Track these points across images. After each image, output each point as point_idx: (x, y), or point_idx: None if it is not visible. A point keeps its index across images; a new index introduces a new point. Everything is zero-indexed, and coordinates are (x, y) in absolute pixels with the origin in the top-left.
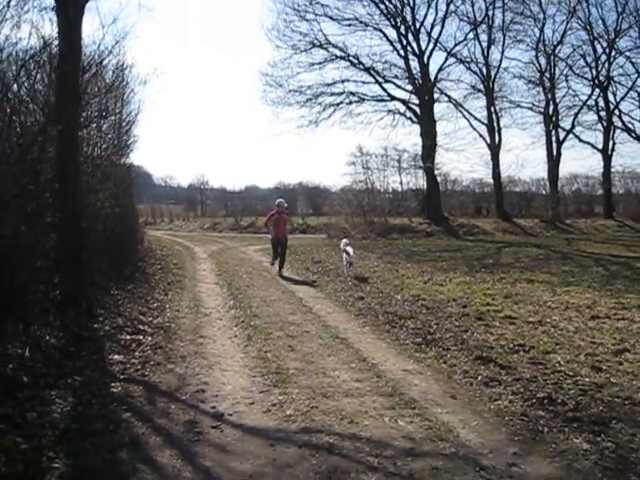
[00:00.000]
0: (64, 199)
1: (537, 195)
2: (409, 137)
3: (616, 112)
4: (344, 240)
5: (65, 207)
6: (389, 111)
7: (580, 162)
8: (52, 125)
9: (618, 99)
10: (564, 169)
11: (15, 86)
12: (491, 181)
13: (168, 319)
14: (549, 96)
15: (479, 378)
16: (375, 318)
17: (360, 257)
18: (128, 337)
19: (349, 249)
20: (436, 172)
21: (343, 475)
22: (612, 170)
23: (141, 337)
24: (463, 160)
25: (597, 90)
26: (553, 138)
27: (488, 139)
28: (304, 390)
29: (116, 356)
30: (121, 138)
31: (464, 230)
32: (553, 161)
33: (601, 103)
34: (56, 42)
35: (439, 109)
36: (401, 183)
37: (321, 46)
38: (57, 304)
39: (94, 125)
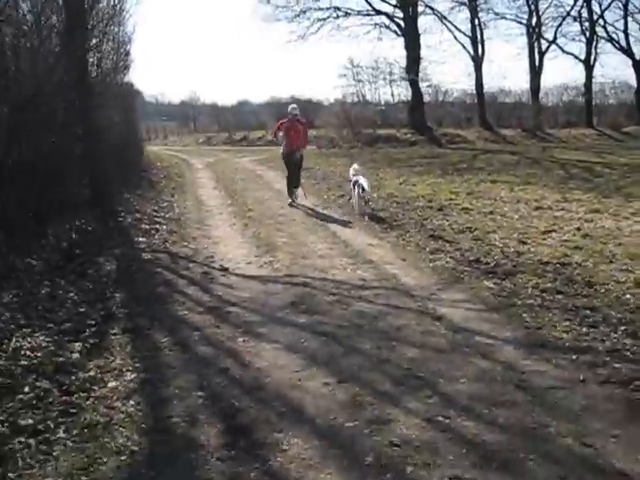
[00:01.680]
0: (85, 115)
1: (526, 105)
2: (397, 50)
3: (600, 22)
4: (354, 166)
5: (86, 121)
6: (375, 24)
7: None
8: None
9: (603, 9)
10: (557, 80)
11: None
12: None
13: (177, 214)
14: (532, 7)
15: (427, 249)
16: (352, 210)
17: (345, 165)
18: (147, 226)
19: (363, 181)
20: (427, 84)
21: (311, 297)
22: (604, 81)
23: (157, 226)
24: (447, 72)
25: (581, 0)
26: (536, 50)
27: (472, 51)
28: (288, 254)
29: (141, 238)
30: (120, 58)
31: (447, 139)
32: (535, 72)
33: (585, 14)
34: None
35: (425, 21)
36: (392, 95)
37: None
38: (87, 201)
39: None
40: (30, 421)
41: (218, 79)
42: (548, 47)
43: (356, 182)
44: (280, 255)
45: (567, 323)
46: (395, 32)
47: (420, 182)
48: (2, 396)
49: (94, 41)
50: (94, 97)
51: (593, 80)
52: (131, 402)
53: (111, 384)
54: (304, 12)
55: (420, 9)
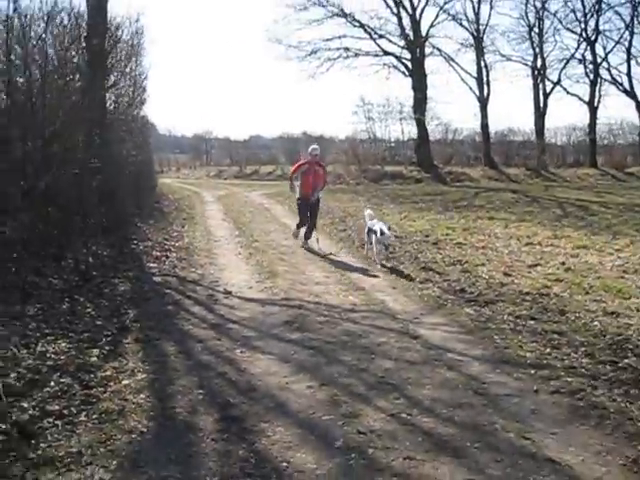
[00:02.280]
0: (103, 148)
1: (532, 144)
2: (406, 89)
3: (604, 65)
4: (368, 212)
5: (105, 155)
6: (384, 64)
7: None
8: (89, 89)
9: (607, 52)
10: (567, 120)
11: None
12: (490, 131)
13: (186, 243)
14: (537, 50)
15: (417, 279)
16: (351, 244)
17: (350, 200)
18: (158, 253)
19: (381, 225)
20: (437, 122)
21: (304, 317)
22: (612, 122)
23: (167, 253)
24: (457, 111)
25: (585, 44)
26: (540, 91)
27: (477, 92)
28: (287, 281)
29: (152, 264)
30: (136, 94)
31: (451, 177)
32: (539, 112)
33: (589, 56)
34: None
35: (433, 62)
36: (402, 132)
37: (319, 4)
38: (104, 229)
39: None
40: (56, 407)
41: (231, 113)
42: (552, 88)
43: (371, 229)
44: (279, 281)
45: (533, 344)
46: (403, 72)
47: (420, 218)
48: (32, 388)
49: (113, 79)
50: (112, 132)
51: (603, 121)
52: (141, 395)
53: (125, 382)
54: (315, 52)
55: (428, 50)
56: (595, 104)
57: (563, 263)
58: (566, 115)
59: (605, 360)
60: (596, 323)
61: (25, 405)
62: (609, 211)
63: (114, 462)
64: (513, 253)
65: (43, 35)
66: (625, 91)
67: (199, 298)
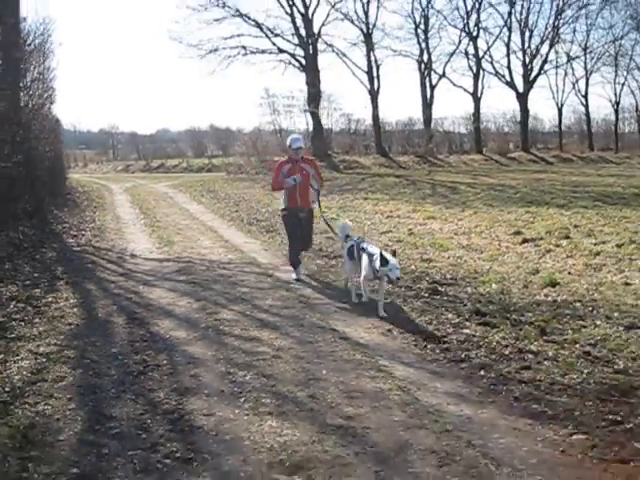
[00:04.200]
0: (23, 145)
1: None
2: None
3: (487, 59)
4: (345, 222)
5: (24, 151)
6: (280, 60)
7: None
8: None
9: (489, 47)
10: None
11: None
12: (391, 120)
13: (98, 225)
14: (423, 45)
15: (278, 242)
16: (240, 222)
17: (246, 187)
18: (75, 232)
19: (385, 254)
20: (340, 113)
21: (191, 267)
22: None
23: (83, 232)
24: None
25: (467, 39)
26: (427, 83)
27: (368, 85)
28: (182, 247)
29: (70, 240)
30: (47, 94)
31: (345, 165)
32: (427, 103)
33: (472, 50)
34: None
35: (328, 57)
36: (307, 124)
37: (218, 5)
38: (26, 214)
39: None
40: (18, 316)
41: (138, 108)
42: (438, 81)
43: (362, 250)
44: (175, 247)
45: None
46: (298, 68)
47: None
48: None
49: (26, 80)
50: (29, 130)
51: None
52: (75, 309)
53: (62, 303)
54: (214, 50)
55: (321, 47)
56: (479, 95)
57: (410, 229)
58: (461, 106)
59: (403, 285)
60: (413, 266)
61: None
62: (473, 190)
63: (62, 337)
64: (374, 224)
65: None
66: (507, 83)
67: (111, 259)
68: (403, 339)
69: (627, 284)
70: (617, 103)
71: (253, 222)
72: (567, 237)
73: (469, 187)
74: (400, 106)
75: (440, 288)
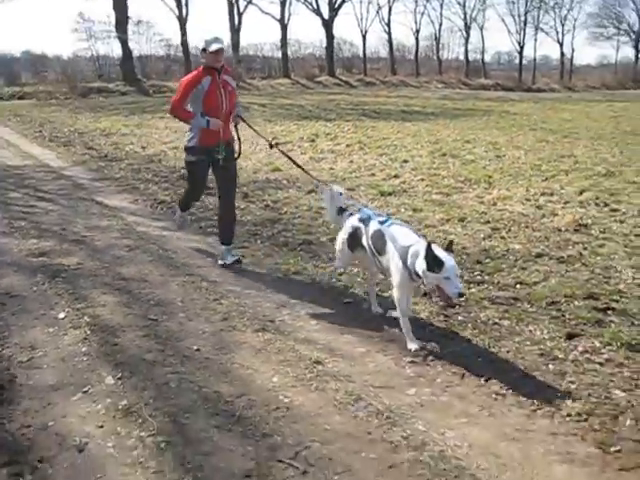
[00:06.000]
0: None
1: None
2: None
3: None
4: (335, 188)
5: None
6: None
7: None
8: None
9: None
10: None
11: None
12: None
13: None
14: None
15: (80, 153)
16: (42, 139)
17: (53, 111)
18: None
19: (439, 251)
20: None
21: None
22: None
23: None
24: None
25: None
26: (235, 9)
27: (177, 12)
28: None
29: None
30: None
31: (154, 89)
32: (234, 29)
33: None
34: None
35: None
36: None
37: None
38: None
39: None
40: None
41: None
42: (246, 7)
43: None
44: None
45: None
46: None
47: (106, 120)
48: None
49: None
50: None
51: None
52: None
53: None
54: None
55: None
56: (285, 22)
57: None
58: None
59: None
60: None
61: None
62: (262, 109)
63: None
64: (158, 136)
65: None
66: (314, 10)
67: None
68: (144, 204)
69: (331, 169)
70: (417, 31)
71: (54, 139)
72: (312, 141)
73: (261, 107)
74: (213, 33)
75: None
